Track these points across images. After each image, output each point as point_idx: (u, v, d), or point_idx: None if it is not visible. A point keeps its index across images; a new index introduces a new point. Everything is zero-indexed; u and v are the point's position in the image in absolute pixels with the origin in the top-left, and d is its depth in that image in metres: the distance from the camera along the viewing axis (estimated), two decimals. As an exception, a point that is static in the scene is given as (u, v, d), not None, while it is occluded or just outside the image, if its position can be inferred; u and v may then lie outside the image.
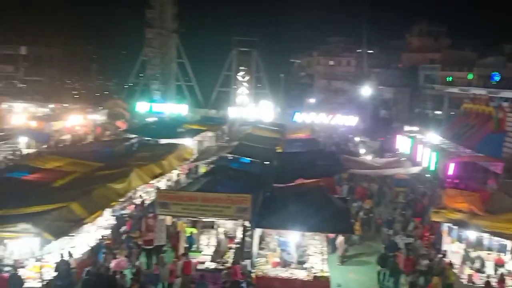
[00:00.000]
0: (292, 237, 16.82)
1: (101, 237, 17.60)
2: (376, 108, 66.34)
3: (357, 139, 46.12)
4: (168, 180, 26.14)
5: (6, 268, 14.57)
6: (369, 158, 33.93)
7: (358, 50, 78.10)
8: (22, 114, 42.83)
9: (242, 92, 65.83)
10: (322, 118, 54.92)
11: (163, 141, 31.53)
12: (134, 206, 21.47)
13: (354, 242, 21.15)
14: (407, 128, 45.40)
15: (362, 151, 39.17)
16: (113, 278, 14.62)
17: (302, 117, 55.57)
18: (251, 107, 61.62)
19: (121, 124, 46.14)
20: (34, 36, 68.35)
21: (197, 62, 68.70)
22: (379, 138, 45.27)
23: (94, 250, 16.81)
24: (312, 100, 73.91)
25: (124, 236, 18.37)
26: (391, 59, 76.39)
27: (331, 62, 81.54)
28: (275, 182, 20.51)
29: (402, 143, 38.53)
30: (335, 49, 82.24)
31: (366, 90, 63.79)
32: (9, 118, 41.80)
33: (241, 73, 65.43)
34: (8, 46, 68.35)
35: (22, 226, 13.45)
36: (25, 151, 31.18)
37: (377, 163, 30.38)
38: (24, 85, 68.88)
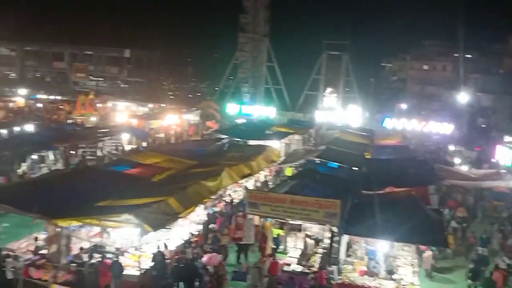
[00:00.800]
0: (381, 246, 16.45)
1: (190, 233, 18.42)
2: (473, 116, 62.36)
3: (451, 148, 43.77)
4: (255, 181, 26.73)
5: (109, 255, 15.83)
6: (465, 168, 32.08)
7: (455, 54, 73.96)
8: (124, 112, 46.16)
9: (330, 97, 65.43)
10: (414, 125, 52.85)
11: (251, 142, 32.31)
12: (224, 204, 22.27)
13: (446, 256, 20.17)
14: (507, 138, 42.23)
15: (457, 160, 37.12)
16: (199, 272, 15.31)
17: (392, 123, 53.89)
18: (339, 111, 60.92)
19: (212, 124, 47.93)
20: (136, 40, 73.45)
21: (286, 65, 69.38)
22: (476, 148, 42.58)
23: (185, 244, 17.69)
24: (403, 106, 71.32)
25: (211, 234, 19.05)
26: (492, 64, 71.20)
27: (425, 67, 78.07)
28: (364, 189, 20.17)
29: (502, 154, 35.93)
30: (430, 53, 78.59)
31: (462, 97, 60.26)
32: (113, 115, 45.28)
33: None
34: (114, 49, 73.99)
35: (124, 216, 14.47)
36: (127, 147, 33.57)
37: (474, 174, 28.63)
38: (127, 86, 74.15)
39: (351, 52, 65.48)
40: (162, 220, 15.13)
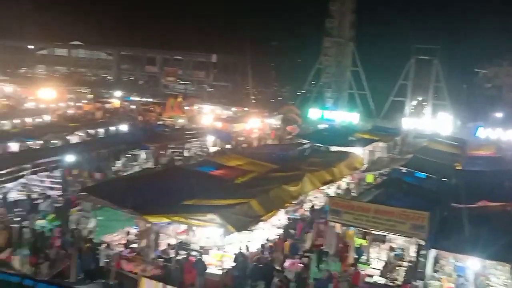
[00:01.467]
0: (471, 263, 15.45)
1: (267, 238, 18.45)
2: None
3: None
4: (337, 188, 26.32)
5: (193, 253, 16.40)
6: None
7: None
8: (210, 115, 47.75)
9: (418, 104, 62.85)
10: (510, 135, 49.12)
11: (334, 148, 31.88)
12: (305, 209, 22.18)
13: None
14: None
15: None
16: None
17: (486, 133, 50.50)
18: (427, 119, 58.29)
19: (293, 129, 47.98)
20: (223, 45, 75.76)
21: (372, 70, 67.50)
22: None
23: (263, 247, 17.81)
24: (498, 115, 66.55)
25: (291, 239, 18.98)
26: None
27: (525, 73, 72.37)
28: (454, 202, 19.08)
29: None
30: (529, 58, 72.74)
31: None
32: (199, 118, 47.04)
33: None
34: (202, 55, 76.90)
35: (209, 216, 15.01)
36: (212, 148, 34.64)
37: None
38: (212, 89, 76.68)
39: (442, 57, 62.37)
40: (244, 221, 15.45)
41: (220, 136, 36.80)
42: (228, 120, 44.72)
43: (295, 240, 18.62)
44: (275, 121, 51.29)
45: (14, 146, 26.51)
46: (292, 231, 19.53)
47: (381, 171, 27.03)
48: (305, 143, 33.50)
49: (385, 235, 17.72)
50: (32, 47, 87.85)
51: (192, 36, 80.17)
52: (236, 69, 79.47)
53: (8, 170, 20.52)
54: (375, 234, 17.65)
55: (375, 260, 17.40)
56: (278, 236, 18.84)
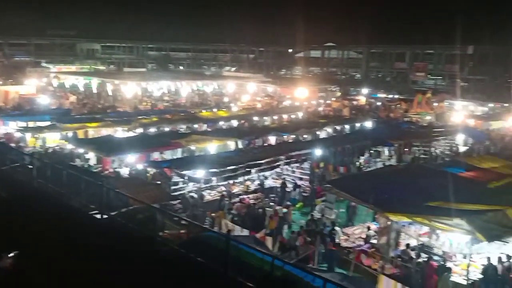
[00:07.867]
0: None
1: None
2: None
3: None
4: None
5: (435, 257, 15.52)
6: None
7: None
8: (461, 112, 44.01)
9: None
10: None
11: None
12: None
13: None
14: None
15: None
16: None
17: None
18: None
19: None
20: (480, 36, 68.34)
21: None
22: None
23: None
24: None
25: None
26: None
27: None
28: None
29: None
30: None
31: None
32: (449, 115, 43.89)
33: None
34: (456, 47, 71.19)
35: (456, 221, 13.94)
36: (462, 148, 31.92)
37: None
38: (466, 84, 70.28)
39: None
40: (497, 231, 13.91)
41: (472, 135, 33.50)
42: (482, 118, 40.31)
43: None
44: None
45: (272, 139, 29.89)
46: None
47: None
48: None
49: None
50: (291, 50, 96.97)
51: (445, 28, 74.58)
52: (497, 61, 70.72)
53: (267, 160, 23.14)
54: None
55: None
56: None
